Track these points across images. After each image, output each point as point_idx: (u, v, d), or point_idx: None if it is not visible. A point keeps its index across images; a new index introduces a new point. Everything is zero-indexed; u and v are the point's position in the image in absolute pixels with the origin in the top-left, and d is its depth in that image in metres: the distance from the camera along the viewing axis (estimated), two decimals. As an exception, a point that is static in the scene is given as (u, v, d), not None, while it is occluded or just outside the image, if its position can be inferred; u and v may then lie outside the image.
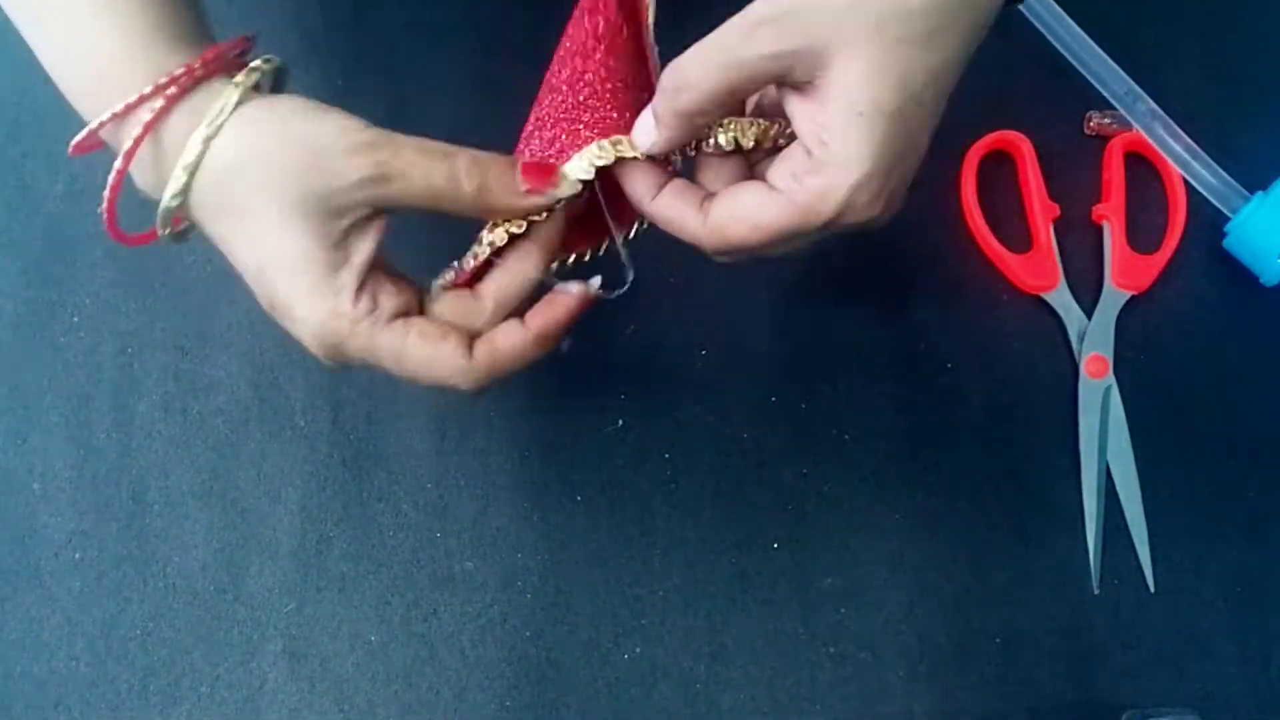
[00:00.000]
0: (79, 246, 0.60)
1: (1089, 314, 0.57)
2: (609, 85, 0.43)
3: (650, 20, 0.43)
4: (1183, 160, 0.57)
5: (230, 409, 0.58)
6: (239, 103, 0.39)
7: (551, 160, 0.42)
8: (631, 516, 0.55)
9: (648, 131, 0.41)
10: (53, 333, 0.60)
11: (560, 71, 0.43)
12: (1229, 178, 0.56)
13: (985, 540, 0.55)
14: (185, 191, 0.39)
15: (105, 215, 0.41)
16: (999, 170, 0.59)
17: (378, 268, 0.41)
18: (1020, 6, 0.56)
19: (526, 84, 0.44)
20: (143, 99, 0.38)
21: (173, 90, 0.38)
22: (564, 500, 0.56)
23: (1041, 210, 0.58)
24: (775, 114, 0.41)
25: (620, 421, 0.57)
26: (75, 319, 0.60)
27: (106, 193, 0.40)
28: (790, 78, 0.38)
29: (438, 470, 0.56)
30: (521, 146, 0.44)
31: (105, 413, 0.58)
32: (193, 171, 0.39)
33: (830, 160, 0.37)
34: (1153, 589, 0.54)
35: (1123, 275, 0.57)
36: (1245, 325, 0.57)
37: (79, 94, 0.41)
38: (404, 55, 0.62)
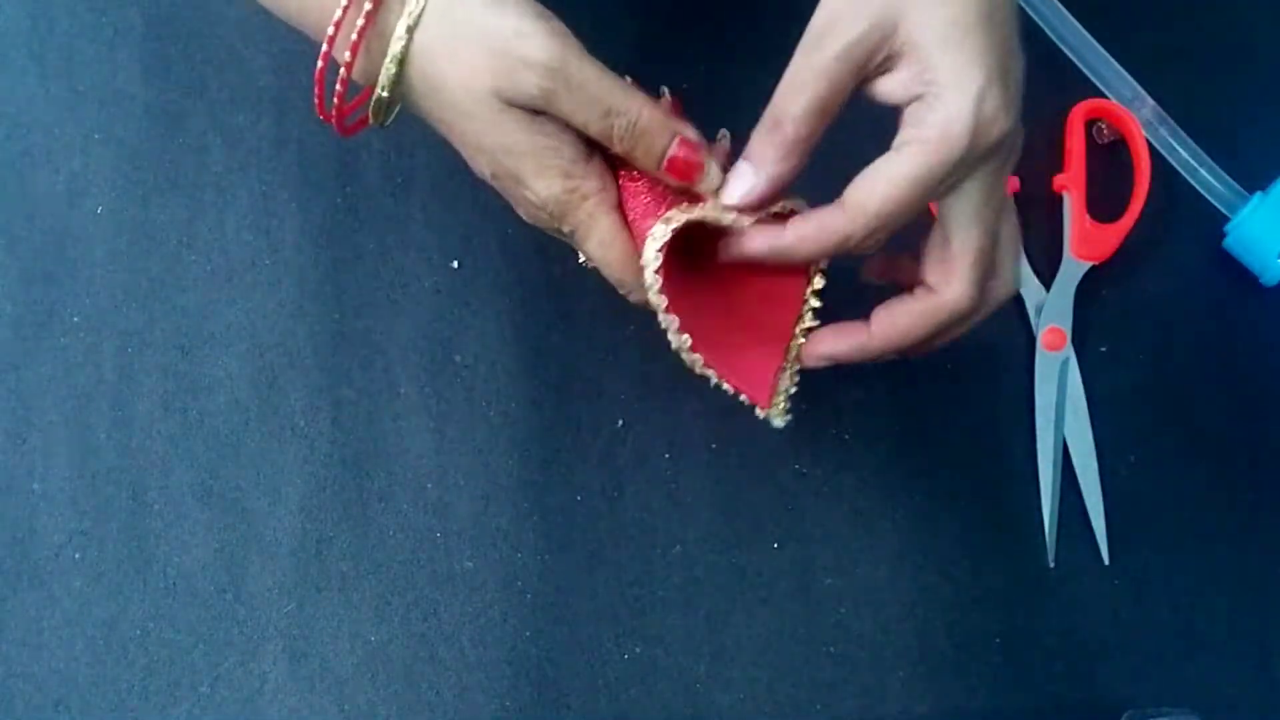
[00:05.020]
0: (79, 246, 0.60)
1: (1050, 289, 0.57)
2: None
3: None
4: (1184, 162, 0.57)
5: (230, 409, 0.58)
6: None
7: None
8: (631, 516, 0.55)
9: (744, 177, 0.42)
10: (53, 333, 0.60)
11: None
12: (1229, 178, 0.56)
13: (985, 540, 0.55)
14: (396, 81, 0.41)
15: (335, 119, 0.44)
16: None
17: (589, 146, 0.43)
18: (1021, 3, 0.56)
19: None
20: None
21: None
22: (564, 500, 0.56)
23: None
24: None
25: (620, 421, 0.57)
26: (75, 319, 0.60)
27: (336, 95, 0.43)
28: (872, 64, 0.39)
29: (438, 470, 0.56)
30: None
31: (105, 413, 0.58)
32: (400, 62, 0.41)
33: (942, 88, 0.38)
34: (1107, 562, 0.54)
35: (1082, 245, 0.56)
36: (1245, 325, 0.57)
37: (297, 12, 0.44)
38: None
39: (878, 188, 0.39)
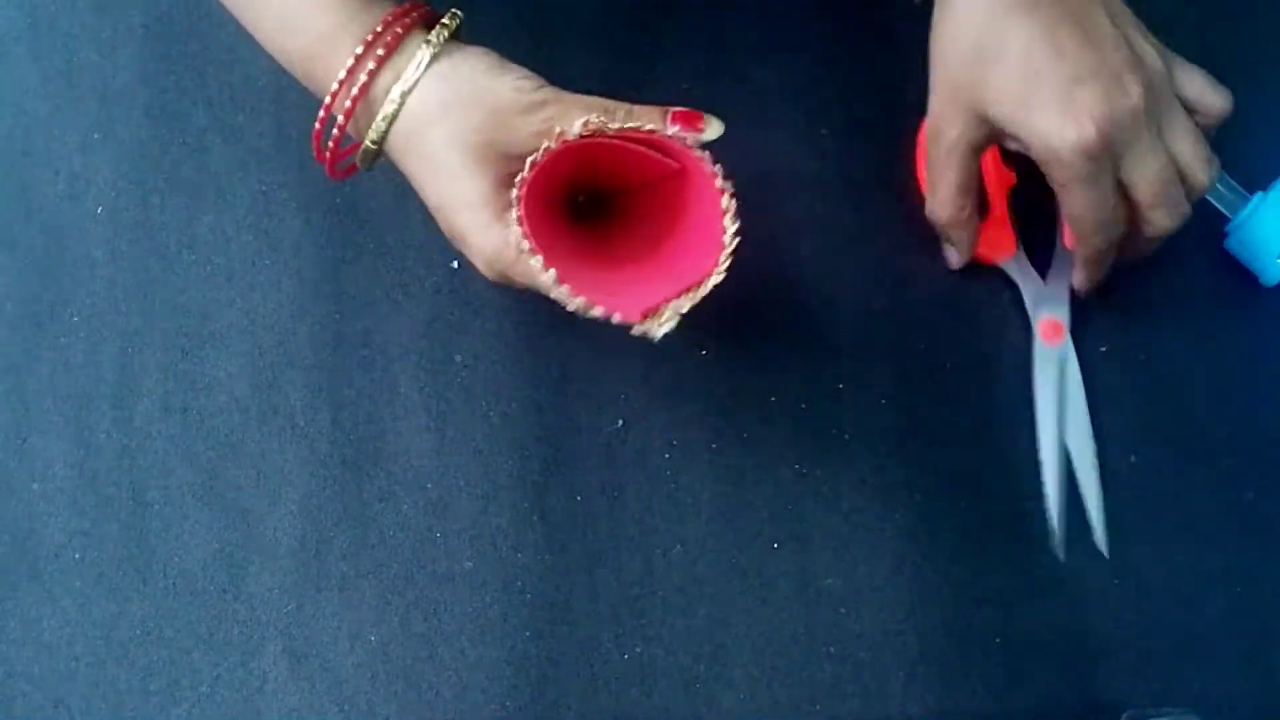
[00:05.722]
0: (79, 246, 0.60)
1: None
2: None
3: None
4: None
5: (230, 409, 0.58)
6: (432, 59, 0.44)
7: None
8: (631, 516, 0.55)
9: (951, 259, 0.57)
10: (53, 333, 0.60)
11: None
12: (1229, 178, 0.56)
13: (985, 540, 0.55)
14: (384, 137, 0.46)
15: (328, 163, 0.49)
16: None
17: None
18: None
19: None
20: (358, 61, 0.44)
21: (381, 52, 0.44)
22: (564, 500, 0.56)
23: (996, 178, 0.57)
24: None
25: (620, 421, 0.57)
26: (75, 319, 0.60)
27: (330, 143, 0.48)
28: (982, 137, 0.50)
29: (438, 470, 0.56)
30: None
31: (105, 413, 0.58)
32: (391, 121, 0.45)
33: (1031, 136, 0.48)
34: (1106, 555, 0.54)
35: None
36: (1245, 325, 0.57)
37: (298, 62, 0.47)
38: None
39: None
